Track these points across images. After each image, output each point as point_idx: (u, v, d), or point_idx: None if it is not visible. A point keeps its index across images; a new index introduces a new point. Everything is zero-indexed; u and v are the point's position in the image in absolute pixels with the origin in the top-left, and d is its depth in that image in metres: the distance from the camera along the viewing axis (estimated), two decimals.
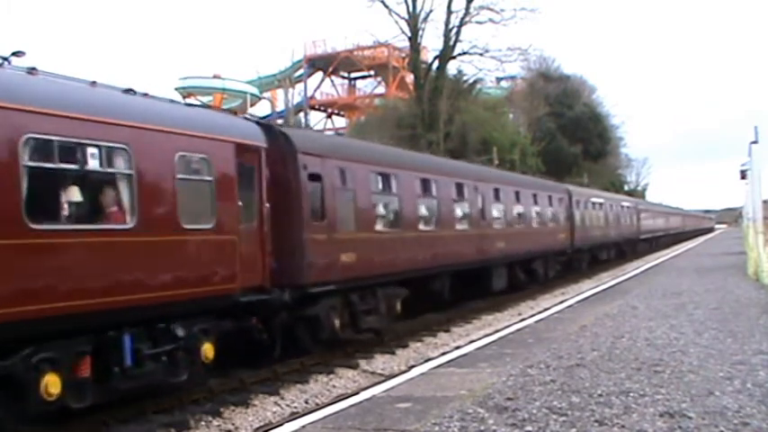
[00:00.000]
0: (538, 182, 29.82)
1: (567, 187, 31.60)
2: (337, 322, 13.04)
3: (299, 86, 68.68)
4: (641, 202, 56.56)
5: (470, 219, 19.63)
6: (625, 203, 43.89)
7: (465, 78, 50.46)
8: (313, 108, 70.68)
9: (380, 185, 15.40)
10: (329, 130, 68.38)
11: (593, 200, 35.07)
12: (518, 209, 23.73)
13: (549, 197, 27.52)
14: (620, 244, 40.78)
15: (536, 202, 25.65)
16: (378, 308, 14.49)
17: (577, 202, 31.07)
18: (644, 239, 49.22)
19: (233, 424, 9.70)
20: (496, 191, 21.81)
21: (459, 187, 19.03)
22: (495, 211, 21.73)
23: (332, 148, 14.15)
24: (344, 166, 13.70)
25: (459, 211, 19.08)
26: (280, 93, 68.05)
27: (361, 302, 13.94)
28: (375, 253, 14.37)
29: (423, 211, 16.97)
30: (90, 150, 8.48)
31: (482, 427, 6.50)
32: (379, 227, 14.94)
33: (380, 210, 15.18)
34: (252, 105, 60.09)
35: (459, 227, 18.96)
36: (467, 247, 19.23)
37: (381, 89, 69.45)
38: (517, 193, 23.73)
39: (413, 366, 11.01)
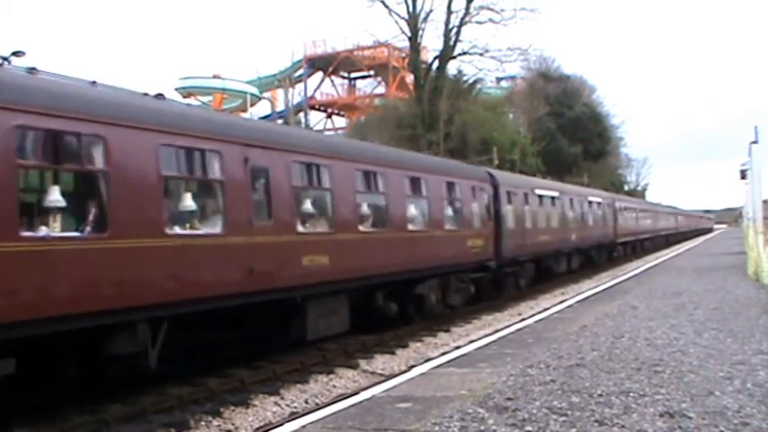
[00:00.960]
0: (426, 161, 19.57)
1: (491, 172, 22.70)
2: None
3: (299, 86, 68.85)
4: (620, 198, 47.19)
5: (227, 216, 10.59)
6: (594, 199, 35.32)
7: (465, 78, 50.64)
8: (313, 108, 70.74)
9: None
10: (329, 130, 68.51)
11: (540, 192, 26.39)
12: (370, 200, 14.91)
13: (450, 184, 18.30)
14: (586, 251, 32.75)
15: (416, 192, 16.52)
16: None
17: (509, 195, 22.44)
18: (624, 243, 41.86)
19: (233, 424, 9.69)
20: (312, 168, 12.79)
21: (191, 155, 10.13)
22: (308, 203, 12.80)
23: None
24: None
25: (186, 202, 10.19)
26: (280, 93, 68.21)
27: None
28: None
29: (52, 198, 8.37)
30: None
31: (482, 427, 6.50)
32: None
33: None
34: (252, 105, 60.08)
35: (181, 229, 9.97)
36: (215, 268, 10.28)
37: (381, 89, 69.53)
38: (368, 176, 14.62)
39: (413, 366, 10.99)
